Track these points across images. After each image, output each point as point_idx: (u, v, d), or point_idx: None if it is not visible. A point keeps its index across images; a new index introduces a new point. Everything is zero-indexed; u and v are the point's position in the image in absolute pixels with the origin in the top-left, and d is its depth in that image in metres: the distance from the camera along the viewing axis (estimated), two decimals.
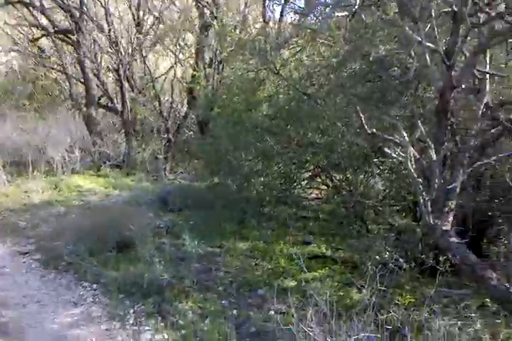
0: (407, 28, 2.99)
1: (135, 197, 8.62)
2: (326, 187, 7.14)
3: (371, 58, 4.67)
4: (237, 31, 7.77)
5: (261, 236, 6.67)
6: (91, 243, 5.76)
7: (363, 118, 3.41)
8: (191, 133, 13.55)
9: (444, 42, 3.44)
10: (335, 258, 5.83)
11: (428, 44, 3.01)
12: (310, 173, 7.27)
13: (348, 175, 6.32)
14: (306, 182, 7.37)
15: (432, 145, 2.92)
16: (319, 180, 7.33)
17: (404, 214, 5.87)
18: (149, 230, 6.54)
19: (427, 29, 3.28)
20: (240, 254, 5.96)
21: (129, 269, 5.23)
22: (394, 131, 4.88)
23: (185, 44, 12.16)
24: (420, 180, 3.03)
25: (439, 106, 3.23)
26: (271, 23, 11.35)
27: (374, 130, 3.46)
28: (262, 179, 7.03)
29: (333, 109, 5.54)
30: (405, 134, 2.99)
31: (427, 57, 3.09)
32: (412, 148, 2.90)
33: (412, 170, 2.86)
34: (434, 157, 2.89)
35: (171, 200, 8.22)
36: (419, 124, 3.26)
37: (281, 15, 11.74)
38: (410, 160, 2.87)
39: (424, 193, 2.91)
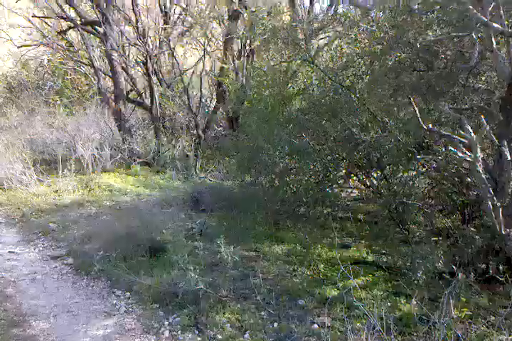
0: (470, 7, 2.60)
1: (166, 197, 8.45)
2: (364, 187, 6.76)
3: (418, 45, 4.28)
4: (269, 19, 7.39)
5: (297, 239, 6.39)
6: (123, 247, 5.59)
7: (417, 112, 3.05)
8: (221, 129, 13.33)
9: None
10: (379, 264, 5.48)
11: (496, 25, 2.62)
12: (346, 171, 6.90)
13: (390, 174, 5.95)
14: (343, 181, 7.02)
15: (506, 143, 2.54)
16: (357, 179, 6.96)
17: (453, 215, 5.47)
18: (182, 233, 6.35)
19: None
20: (277, 259, 5.70)
21: (162, 276, 5.04)
22: (447, 126, 4.50)
23: (212, 35, 11.88)
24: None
25: (507, 98, 2.83)
26: (300, 11, 10.96)
27: (430, 125, 3.11)
28: (298, 177, 6.71)
29: (375, 102, 5.16)
30: (470, 130, 2.62)
31: (493, 40, 2.70)
32: (478, 146, 2.53)
33: (481, 172, 2.50)
34: (509, 156, 2.52)
35: (203, 200, 8.02)
36: (483, 119, 2.88)
37: (311, 3, 11.34)
38: (478, 161, 2.50)
39: (494, 198, 2.54)
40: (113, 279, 5.22)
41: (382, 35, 4.46)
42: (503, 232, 2.51)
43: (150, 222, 6.28)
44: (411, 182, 5.15)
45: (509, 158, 2.53)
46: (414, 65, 4.72)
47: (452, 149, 2.56)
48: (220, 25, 12.15)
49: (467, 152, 2.53)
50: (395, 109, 4.62)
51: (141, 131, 12.30)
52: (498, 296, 4.15)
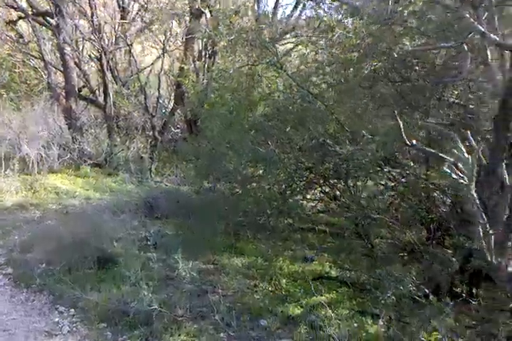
0: (467, 15, 2.42)
1: (118, 201, 7.97)
2: (328, 199, 6.58)
3: (395, 54, 4.13)
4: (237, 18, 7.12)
5: (258, 251, 6.13)
6: (68, 257, 5.13)
7: (401, 126, 2.85)
8: (178, 131, 12.90)
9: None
10: (343, 279, 5.29)
11: (493, 36, 2.44)
12: (309, 182, 6.69)
13: (353, 185, 5.80)
14: (306, 191, 6.82)
15: (503, 166, 2.36)
16: (321, 190, 6.78)
17: (419, 232, 5.37)
18: (134, 242, 5.94)
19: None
20: (237, 273, 5.41)
21: (111, 291, 4.63)
22: (426, 142, 4.38)
23: (172, 34, 11.46)
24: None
25: (500, 115, 2.67)
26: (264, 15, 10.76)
27: (414, 142, 2.92)
28: (260, 186, 6.44)
29: (346, 112, 4.98)
30: (463, 149, 2.42)
31: (488, 52, 2.52)
32: (475, 169, 2.34)
33: (475, 197, 2.30)
34: (507, 181, 2.34)
35: (158, 207, 7.62)
36: (470, 136, 2.70)
37: (275, 7, 11.17)
38: (473, 185, 2.30)
39: (486, 225, 2.35)
40: (56, 294, 4.77)
41: (358, 42, 4.28)
42: (494, 261, 2.33)
43: (99, 230, 5.83)
44: (380, 196, 4.99)
45: (507, 182, 2.34)
46: (389, 76, 4.56)
47: (446, 170, 2.34)
48: (180, 24, 11.78)
49: (459, 173, 2.33)
50: (368, 120, 4.43)
51: (93, 130, 11.69)
52: (468, 318, 4.03)
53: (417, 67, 4.47)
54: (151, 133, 11.17)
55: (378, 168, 5.10)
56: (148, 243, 5.95)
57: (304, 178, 6.30)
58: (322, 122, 5.46)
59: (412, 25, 4.12)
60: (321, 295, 4.92)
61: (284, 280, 5.30)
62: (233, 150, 6.12)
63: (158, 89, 10.40)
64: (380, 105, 4.19)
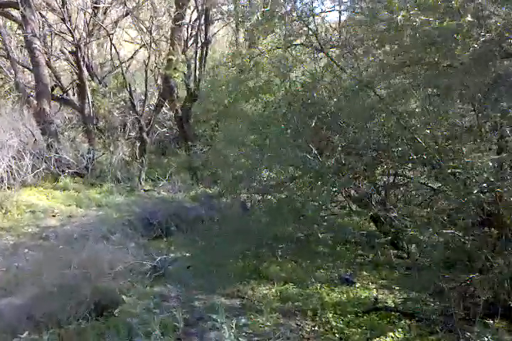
0: None
1: (107, 218, 6.84)
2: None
3: None
4: None
5: (286, 273, 5.11)
6: (56, 305, 3.98)
7: None
8: (164, 130, 11.74)
9: None
10: (400, 309, 4.30)
11: None
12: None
13: None
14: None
15: None
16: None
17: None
18: (137, 274, 4.82)
19: None
20: (271, 309, 4.32)
21: None
22: None
23: (153, 20, 10.21)
24: None
25: None
26: None
27: None
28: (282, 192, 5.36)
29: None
30: None
31: None
32: None
33: None
34: None
35: (156, 221, 6.52)
36: None
37: None
38: None
39: None
40: None
41: None
42: None
43: (92, 261, 4.71)
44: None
45: None
46: None
47: None
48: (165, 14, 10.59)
49: None
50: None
51: (69, 134, 10.47)
52: None
53: None
54: (136, 134, 10.02)
55: None
56: (156, 273, 4.83)
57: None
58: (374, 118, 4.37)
59: None
60: (384, 335, 3.93)
61: (330, 315, 4.27)
62: (269, 156, 4.92)
63: (146, 84, 9.19)
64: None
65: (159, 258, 4.99)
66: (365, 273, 5.39)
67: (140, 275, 4.79)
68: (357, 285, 5.05)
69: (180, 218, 6.76)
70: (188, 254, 5.68)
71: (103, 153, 9.63)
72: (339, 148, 4.34)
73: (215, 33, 10.60)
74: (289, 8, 4.36)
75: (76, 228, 6.58)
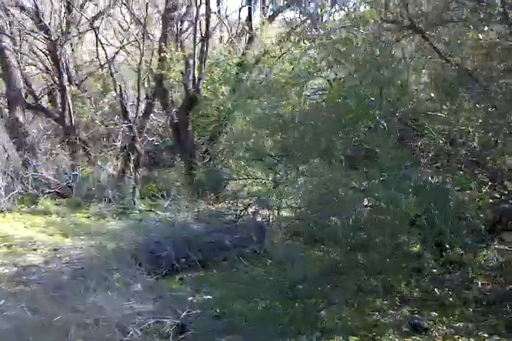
0: None
1: (100, 250, 5.68)
2: None
3: None
4: None
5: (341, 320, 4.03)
6: None
7: None
8: (154, 138, 10.54)
9: None
10: None
11: None
12: None
13: None
14: None
15: None
16: None
17: None
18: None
19: None
20: None
21: None
22: None
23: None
24: None
25: None
26: None
27: None
28: None
29: None
30: None
31: None
32: None
33: None
34: None
35: (163, 253, 5.39)
36: None
37: None
38: None
39: None
40: None
41: None
42: None
43: (88, 315, 3.58)
44: None
45: None
46: None
47: None
48: None
49: None
50: None
51: (46, 147, 9.22)
52: None
53: None
54: (124, 144, 8.83)
55: None
56: (181, 334, 3.69)
57: None
58: None
59: None
60: None
61: None
62: None
63: (138, 85, 8.01)
64: None
65: (184, 313, 3.82)
66: (434, 313, 4.35)
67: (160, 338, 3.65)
68: (433, 333, 4.02)
69: (191, 246, 5.64)
70: (211, 297, 4.57)
71: (84, 168, 8.43)
72: None
73: (217, 24, 9.55)
74: None
75: (64, 266, 5.38)
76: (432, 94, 3.15)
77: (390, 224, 2.85)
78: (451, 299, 4.44)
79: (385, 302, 4.56)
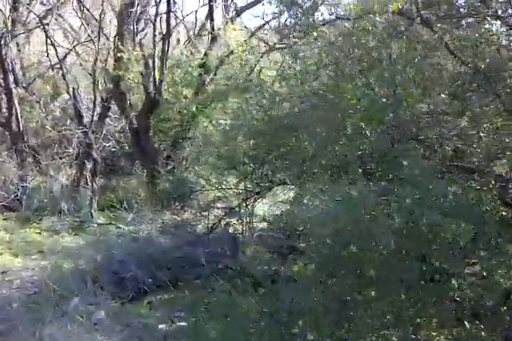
0: None
1: (55, 271, 5.09)
2: None
3: None
4: None
5: None
6: None
7: None
8: (110, 144, 9.89)
9: None
10: None
11: None
12: None
13: None
14: None
15: None
16: None
17: None
18: None
19: None
20: None
21: None
22: None
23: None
24: None
25: None
26: None
27: None
28: None
29: None
30: None
31: None
32: None
33: None
34: None
35: (127, 274, 4.86)
36: None
37: None
38: None
39: None
40: None
41: None
42: None
43: None
44: None
45: None
46: None
47: None
48: None
49: None
50: None
51: None
52: None
53: None
54: (79, 151, 8.19)
55: None
56: None
57: None
58: None
59: None
60: None
61: None
62: None
63: (94, 87, 7.40)
64: None
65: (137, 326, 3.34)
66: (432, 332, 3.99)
67: None
68: None
69: (158, 264, 5.13)
70: (184, 324, 4.09)
71: (33, 178, 7.73)
72: None
73: (177, 23, 9.02)
74: None
75: (14, 291, 4.76)
76: (443, 95, 2.84)
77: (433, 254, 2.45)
78: None
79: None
